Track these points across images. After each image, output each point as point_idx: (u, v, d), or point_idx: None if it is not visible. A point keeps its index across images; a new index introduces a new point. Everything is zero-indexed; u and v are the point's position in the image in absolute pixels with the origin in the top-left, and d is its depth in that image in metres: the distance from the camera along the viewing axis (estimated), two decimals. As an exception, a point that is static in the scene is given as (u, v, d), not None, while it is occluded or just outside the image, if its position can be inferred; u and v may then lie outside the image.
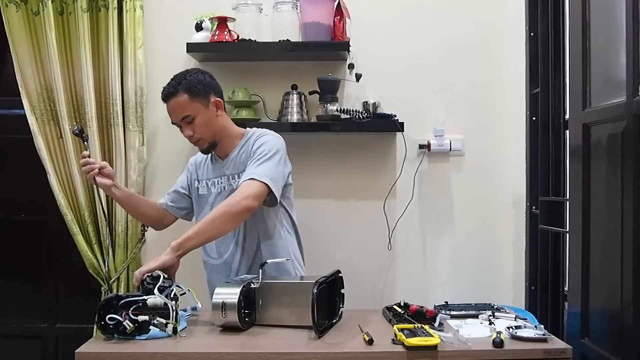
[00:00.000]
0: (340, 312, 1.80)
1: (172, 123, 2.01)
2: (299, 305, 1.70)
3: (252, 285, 1.75)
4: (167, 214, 2.20)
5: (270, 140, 1.99)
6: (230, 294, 1.68)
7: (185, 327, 1.73)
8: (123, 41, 2.50)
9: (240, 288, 1.69)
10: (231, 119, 2.48)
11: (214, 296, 1.70)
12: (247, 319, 1.72)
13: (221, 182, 2.05)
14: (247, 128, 2.10)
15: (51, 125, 2.57)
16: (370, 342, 1.56)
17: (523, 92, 2.53)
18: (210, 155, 2.11)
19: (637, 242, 1.55)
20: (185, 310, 1.80)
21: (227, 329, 1.70)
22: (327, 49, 2.49)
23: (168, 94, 1.96)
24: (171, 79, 1.99)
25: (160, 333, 1.63)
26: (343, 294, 1.80)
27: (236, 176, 2.00)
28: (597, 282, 1.79)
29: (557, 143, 2.34)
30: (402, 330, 1.59)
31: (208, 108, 1.98)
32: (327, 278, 1.73)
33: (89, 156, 2.04)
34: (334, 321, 1.76)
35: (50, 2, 2.47)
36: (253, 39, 2.45)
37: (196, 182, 2.14)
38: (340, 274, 1.82)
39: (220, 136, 2.02)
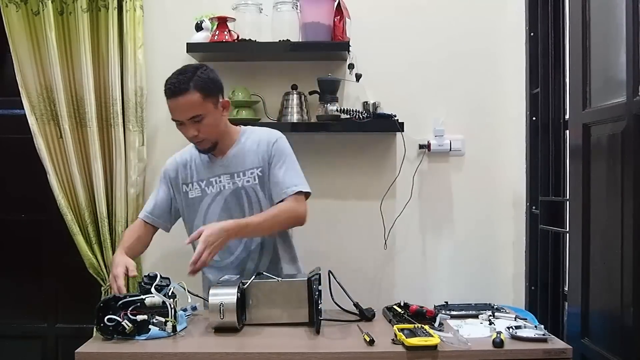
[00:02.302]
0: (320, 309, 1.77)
1: (174, 120, 1.91)
2: (291, 303, 1.73)
3: (242, 285, 1.74)
4: (151, 230, 2.10)
5: (287, 145, 2.01)
6: (227, 294, 1.68)
7: (186, 327, 1.72)
8: (123, 41, 2.50)
9: (237, 287, 1.69)
10: (231, 119, 2.50)
11: (210, 297, 1.69)
12: (242, 318, 1.72)
13: (220, 181, 2.00)
14: (241, 126, 2.09)
15: (51, 125, 2.56)
16: (371, 342, 1.56)
17: (523, 92, 2.53)
18: (198, 155, 2.04)
19: (637, 242, 1.55)
20: (185, 310, 1.79)
21: (221, 329, 1.69)
22: (327, 49, 2.49)
23: (178, 90, 1.85)
24: (178, 74, 1.88)
25: (160, 333, 1.63)
26: (320, 290, 1.76)
27: (241, 174, 1.98)
28: (597, 282, 1.79)
29: (557, 143, 2.34)
30: (402, 330, 1.59)
31: (217, 108, 1.92)
32: (313, 276, 1.74)
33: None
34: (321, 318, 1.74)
35: (50, 2, 2.47)
36: (253, 39, 2.45)
37: (184, 186, 2.05)
38: (319, 272, 1.81)
39: (223, 136, 1.99)
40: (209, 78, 1.90)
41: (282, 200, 1.93)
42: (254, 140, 2.01)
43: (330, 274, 1.82)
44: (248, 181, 1.98)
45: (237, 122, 2.46)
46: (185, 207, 2.06)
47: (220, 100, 1.95)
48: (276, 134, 2.03)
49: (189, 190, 2.04)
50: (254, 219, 1.90)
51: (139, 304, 1.65)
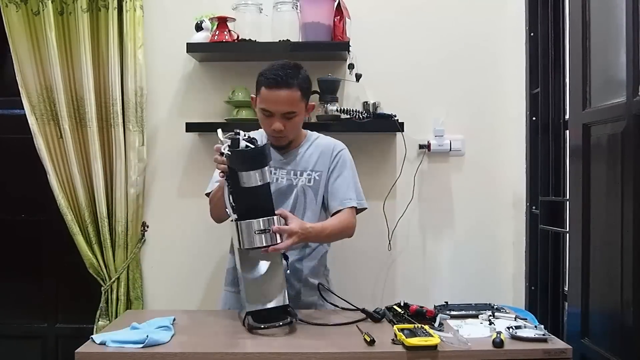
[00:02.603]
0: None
1: (264, 109, 1.88)
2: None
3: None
4: None
5: (349, 157, 2.05)
6: None
7: (174, 335, 1.68)
8: (123, 41, 2.50)
9: None
10: (231, 119, 2.50)
11: None
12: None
13: (276, 174, 1.98)
14: (308, 131, 2.10)
15: (51, 125, 2.56)
16: (371, 342, 1.56)
17: (523, 92, 2.53)
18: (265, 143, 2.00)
19: (637, 242, 1.55)
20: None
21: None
22: (327, 49, 2.49)
23: (284, 83, 1.85)
24: (283, 67, 1.88)
25: (158, 340, 1.61)
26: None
27: (298, 173, 1.99)
28: (597, 282, 1.79)
29: (557, 143, 2.34)
30: (402, 330, 1.59)
31: (306, 110, 1.97)
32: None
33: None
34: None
35: (50, 2, 2.47)
36: (253, 39, 2.45)
37: None
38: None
39: (297, 135, 2.02)
40: (308, 79, 1.94)
41: (338, 211, 1.97)
42: (318, 146, 2.04)
43: (320, 286, 1.90)
44: (302, 181, 2.00)
45: (237, 122, 2.47)
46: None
47: (310, 103, 1.99)
48: (340, 144, 2.07)
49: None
50: (325, 226, 1.92)
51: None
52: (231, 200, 1.71)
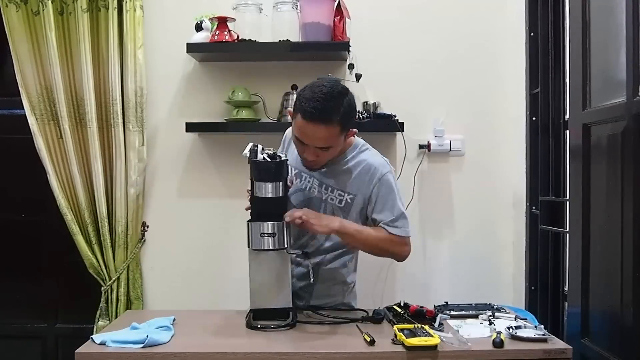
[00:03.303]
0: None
1: (297, 137, 1.76)
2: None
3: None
4: None
5: (393, 182, 1.89)
6: None
7: (174, 335, 1.69)
8: (123, 41, 2.50)
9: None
10: (231, 119, 2.50)
11: None
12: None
13: (310, 181, 1.90)
14: (355, 139, 1.93)
15: (51, 125, 2.56)
16: (371, 342, 1.56)
17: (523, 92, 2.53)
18: None
19: (637, 242, 1.55)
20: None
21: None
22: (327, 49, 2.49)
23: (322, 119, 1.68)
24: (326, 98, 1.69)
25: (157, 340, 1.61)
26: None
27: (329, 190, 1.87)
28: (597, 282, 1.79)
29: (557, 143, 2.34)
30: (402, 330, 1.59)
31: (344, 138, 1.81)
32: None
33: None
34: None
35: (50, 2, 2.46)
36: (253, 39, 2.45)
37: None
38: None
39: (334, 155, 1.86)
40: (352, 110, 1.78)
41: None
42: (359, 164, 1.87)
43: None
44: (333, 199, 1.88)
45: (237, 122, 2.47)
46: None
47: (350, 131, 1.82)
48: (384, 166, 1.88)
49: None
50: (363, 229, 1.84)
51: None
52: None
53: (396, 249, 1.90)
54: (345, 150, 1.89)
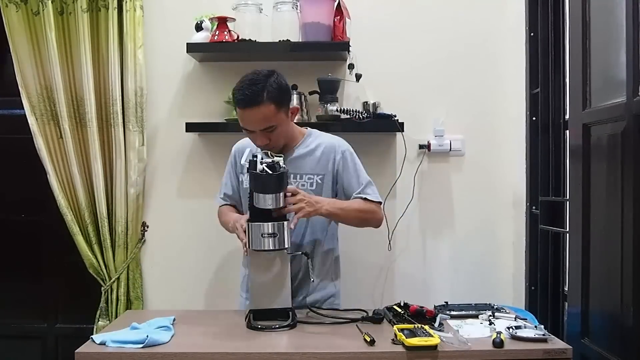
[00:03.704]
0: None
1: (244, 128, 1.86)
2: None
3: None
4: None
5: (355, 155, 2.03)
6: None
7: (174, 335, 1.69)
8: (123, 41, 2.50)
9: None
10: (231, 119, 2.50)
11: None
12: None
13: None
14: (307, 128, 2.07)
15: (51, 125, 2.56)
16: (371, 342, 1.56)
17: (523, 92, 2.53)
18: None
19: (637, 242, 1.55)
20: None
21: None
22: (327, 49, 2.49)
23: (251, 102, 1.79)
24: (250, 83, 1.81)
25: (157, 339, 1.61)
26: None
27: (298, 177, 1.96)
28: (597, 282, 1.79)
29: (557, 143, 2.34)
30: (402, 330, 1.59)
31: (287, 116, 1.89)
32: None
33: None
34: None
35: (50, 2, 2.46)
36: (253, 39, 2.45)
37: (241, 175, 2.03)
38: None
39: (289, 138, 1.97)
40: (281, 87, 1.85)
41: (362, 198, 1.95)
42: (319, 146, 1.99)
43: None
44: (304, 185, 1.95)
45: (237, 122, 2.46)
46: (242, 193, 2.04)
47: (291, 107, 1.92)
48: (342, 143, 2.03)
49: (244, 180, 2.00)
50: (342, 210, 1.91)
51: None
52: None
53: (374, 215, 1.98)
54: (297, 142, 2.00)
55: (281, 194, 1.74)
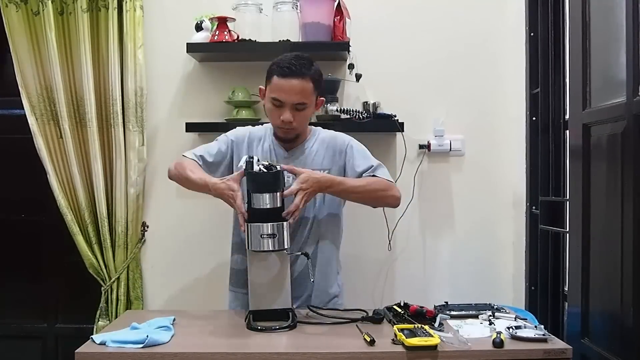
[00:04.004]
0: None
1: (275, 99, 1.85)
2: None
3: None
4: None
5: (357, 144, 2.03)
6: None
7: (174, 335, 1.68)
8: (123, 41, 2.50)
9: None
10: (231, 119, 2.50)
11: None
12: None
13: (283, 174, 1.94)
14: (312, 127, 2.08)
15: (51, 125, 2.56)
16: (371, 342, 1.56)
17: (523, 92, 2.53)
18: (270, 139, 2.00)
19: (637, 242, 1.55)
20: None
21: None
22: (327, 49, 2.49)
23: (298, 73, 1.83)
24: (296, 57, 1.86)
25: (157, 340, 1.61)
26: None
27: None
28: (597, 282, 1.79)
29: (557, 143, 2.34)
30: (402, 330, 1.59)
31: (315, 104, 1.94)
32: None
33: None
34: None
35: (50, 2, 2.47)
36: (253, 39, 2.45)
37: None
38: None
39: (303, 130, 1.99)
40: (320, 75, 1.92)
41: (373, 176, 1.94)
42: (324, 141, 2.01)
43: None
44: None
45: (237, 122, 2.47)
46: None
47: (320, 98, 1.96)
48: (347, 137, 2.05)
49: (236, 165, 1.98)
50: (349, 179, 1.91)
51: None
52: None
53: (387, 191, 1.93)
54: (306, 137, 2.01)
55: (278, 194, 1.74)
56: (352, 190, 1.90)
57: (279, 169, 1.76)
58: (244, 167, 1.76)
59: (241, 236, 1.88)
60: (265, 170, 1.73)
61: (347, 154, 1.99)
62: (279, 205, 1.74)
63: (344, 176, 1.97)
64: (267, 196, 1.72)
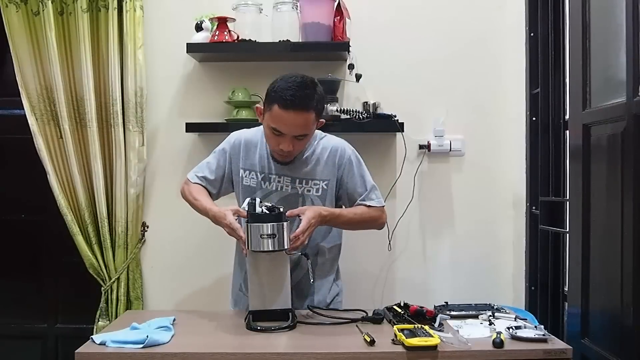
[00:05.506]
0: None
1: (275, 129, 1.78)
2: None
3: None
4: None
5: (360, 158, 2.01)
6: None
7: (174, 335, 1.69)
8: (123, 41, 2.49)
9: None
10: (231, 119, 2.50)
11: None
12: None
13: (280, 181, 1.93)
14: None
15: (51, 125, 2.56)
16: (371, 342, 1.56)
17: (523, 92, 2.53)
18: (266, 148, 1.94)
19: (637, 242, 1.55)
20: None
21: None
22: (327, 49, 2.49)
23: (301, 106, 1.73)
24: (301, 86, 1.75)
25: (158, 340, 1.61)
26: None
27: (304, 182, 1.92)
28: (597, 282, 1.79)
29: (557, 143, 2.34)
30: (402, 330, 1.59)
31: (314, 127, 1.86)
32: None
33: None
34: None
35: (50, 2, 2.46)
36: (253, 39, 2.45)
37: (242, 171, 1.97)
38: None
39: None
40: (323, 99, 1.84)
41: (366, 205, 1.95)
42: (324, 150, 1.95)
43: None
44: (310, 190, 1.93)
45: (237, 122, 2.47)
46: (241, 190, 1.98)
47: (320, 120, 1.88)
48: (345, 147, 1.98)
49: (244, 176, 1.97)
50: (345, 212, 1.92)
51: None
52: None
53: (376, 220, 2.00)
54: (310, 141, 1.94)
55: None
56: (347, 222, 1.93)
57: (279, 209, 1.73)
58: (246, 209, 1.75)
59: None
60: (267, 212, 1.72)
61: (345, 169, 1.95)
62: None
63: (339, 189, 1.96)
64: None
